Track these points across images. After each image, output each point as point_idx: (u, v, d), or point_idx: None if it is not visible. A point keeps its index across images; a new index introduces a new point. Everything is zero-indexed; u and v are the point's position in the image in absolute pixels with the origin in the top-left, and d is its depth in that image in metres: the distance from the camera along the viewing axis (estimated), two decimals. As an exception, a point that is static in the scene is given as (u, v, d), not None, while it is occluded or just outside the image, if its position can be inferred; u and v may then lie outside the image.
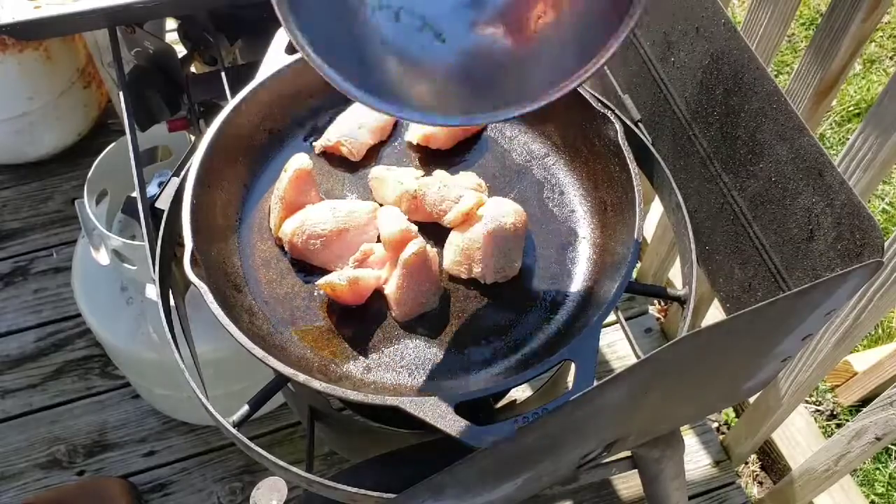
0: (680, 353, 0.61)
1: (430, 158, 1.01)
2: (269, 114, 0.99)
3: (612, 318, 1.68)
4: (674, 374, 0.68)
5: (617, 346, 1.86)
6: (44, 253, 2.01)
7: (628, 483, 1.67)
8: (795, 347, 0.83)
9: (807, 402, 1.83)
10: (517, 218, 0.91)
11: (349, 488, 0.79)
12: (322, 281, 0.86)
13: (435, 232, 0.94)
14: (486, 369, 0.85)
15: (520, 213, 0.91)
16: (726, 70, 0.91)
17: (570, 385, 0.78)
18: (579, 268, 0.93)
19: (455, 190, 0.92)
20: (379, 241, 0.92)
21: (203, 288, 0.79)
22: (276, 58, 0.99)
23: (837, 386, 1.83)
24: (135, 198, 0.99)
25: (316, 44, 0.66)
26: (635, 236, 0.87)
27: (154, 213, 0.97)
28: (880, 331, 1.96)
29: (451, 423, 0.74)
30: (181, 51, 1.37)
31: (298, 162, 0.92)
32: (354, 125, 0.99)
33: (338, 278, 0.85)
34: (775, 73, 2.48)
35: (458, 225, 0.92)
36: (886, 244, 1.08)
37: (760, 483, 1.71)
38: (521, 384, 0.79)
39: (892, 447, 1.77)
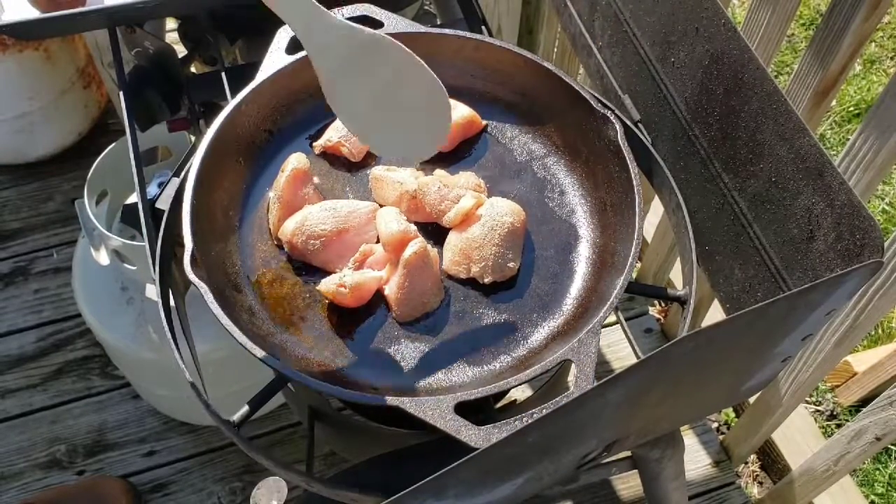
0: (680, 354, 0.61)
1: (430, 158, 1.01)
2: (269, 114, 0.99)
3: (612, 318, 1.68)
4: (674, 374, 0.68)
5: (617, 346, 1.86)
6: (44, 253, 2.01)
7: (628, 483, 1.67)
8: (795, 348, 0.83)
9: (807, 402, 1.83)
10: (515, 217, 0.91)
11: (349, 489, 0.79)
12: (323, 288, 0.86)
13: (435, 232, 0.94)
14: (486, 369, 0.85)
15: (518, 212, 0.91)
16: (726, 70, 0.91)
17: (571, 385, 0.78)
18: (579, 268, 0.93)
19: (455, 190, 0.92)
20: (378, 241, 0.92)
21: (203, 288, 0.79)
22: (276, 58, 0.99)
23: (837, 386, 1.83)
24: (133, 206, 0.99)
25: None
26: (635, 236, 0.87)
27: (154, 214, 0.97)
28: (880, 331, 1.96)
29: (451, 423, 0.74)
30: (181, 51, 1.37)
31: (296, 161, 0.92)
32: (354, 125, 0.99)
33: (338, 287, 0.85)
34: (775, 73, 2.48)
35: (457, 225, 0.92)
36: (886, 244, 1.08)
37: (760, 483, 1.71)
38: (521, 384, 0.79)
39: (892, 447, 1.77)
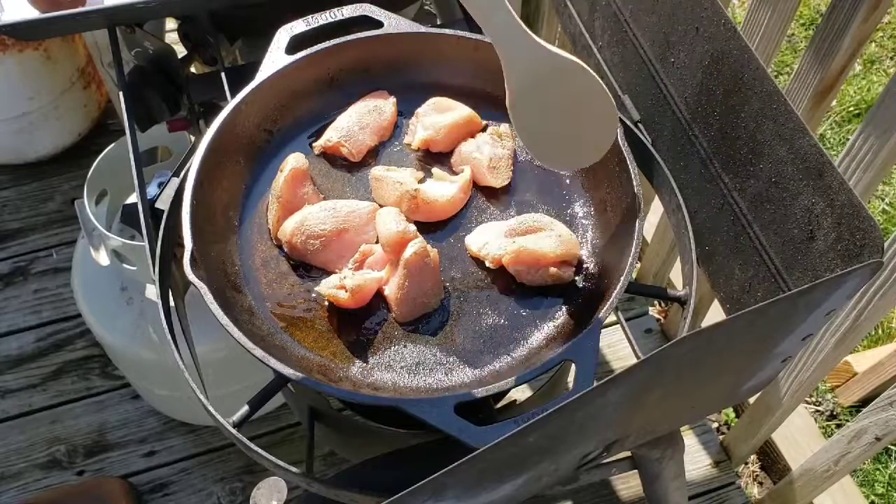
0: (680, 354, 0.61)
1: (430, 159, 1.01)
2: (269, 114, 0.99)
3: (612, 318, 1.68)
4: (674, 374, 0.68)
5: (617, 346, 1.86)
6: (44, 253, 2.01)
7: (628, 483, 1.67)
8: (795, 348, 0.83)
9: (807, 402, 1.83)
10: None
11: (349, 489, 0.79)
12: (323, 289, 0.86)
13: (435, 232, 0.94)
14: (486, 369, 0.85)
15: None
16: (726, 70, 0.91)
17: (571, 385, 0.78)
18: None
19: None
20: (378, 241, 0.92)
21: (203, 288, 0.79)
22: (276, 58, 0.99)
23: (837, 386, 1.83)
24: (132, 206, 0.99)
25: None
26: (635, 237, 0.87)
27: (154, 214, 0.97)
28: (880, 331, 1.96)
29: (451, 423, 0.74)
30: (181, 51, 1.37)
31: (294, 161, 0.92)
32: (354, 125, 0.99)
33: (339, 289, 0.85)
34: (775, 73, 2.48)
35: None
36: (886, 244, 1.08)
37: (760, 483, 1.71)
38: (521, 384, 0.79)
39: (892, 447, 1.77)
